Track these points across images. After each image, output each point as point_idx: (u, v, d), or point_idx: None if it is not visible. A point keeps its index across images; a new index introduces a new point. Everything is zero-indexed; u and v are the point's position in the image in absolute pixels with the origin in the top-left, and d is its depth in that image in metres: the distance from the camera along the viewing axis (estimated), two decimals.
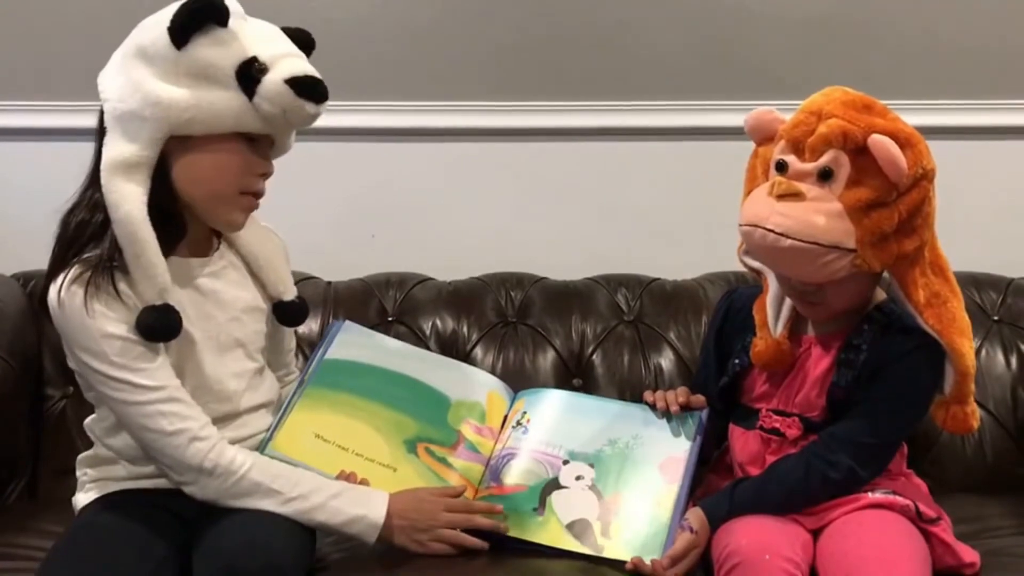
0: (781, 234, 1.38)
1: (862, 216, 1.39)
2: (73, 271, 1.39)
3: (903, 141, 1.39)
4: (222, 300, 1.52)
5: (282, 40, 1.46)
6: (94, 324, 1.38)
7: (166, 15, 1.39)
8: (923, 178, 1.41)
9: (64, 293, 1.38)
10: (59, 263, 1.42)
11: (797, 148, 1.43)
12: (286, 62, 1.41)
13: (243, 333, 1.54)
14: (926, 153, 1.42)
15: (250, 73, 1.39)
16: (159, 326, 1.40)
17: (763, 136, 1.52)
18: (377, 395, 1.62)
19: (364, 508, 1.44)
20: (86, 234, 1.42)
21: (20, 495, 1.83)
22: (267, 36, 1.44)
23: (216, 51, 1.38)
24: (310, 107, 1.42)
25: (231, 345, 1.52)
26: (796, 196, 1.39)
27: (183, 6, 1.38)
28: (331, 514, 1.43)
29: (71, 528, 1.46)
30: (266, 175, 1.49)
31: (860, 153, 1.39)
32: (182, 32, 1.37)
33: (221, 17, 1.39)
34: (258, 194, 1.50)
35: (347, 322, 1.73)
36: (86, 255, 1.41)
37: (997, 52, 2.16)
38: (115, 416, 1.45)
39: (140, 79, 1.39)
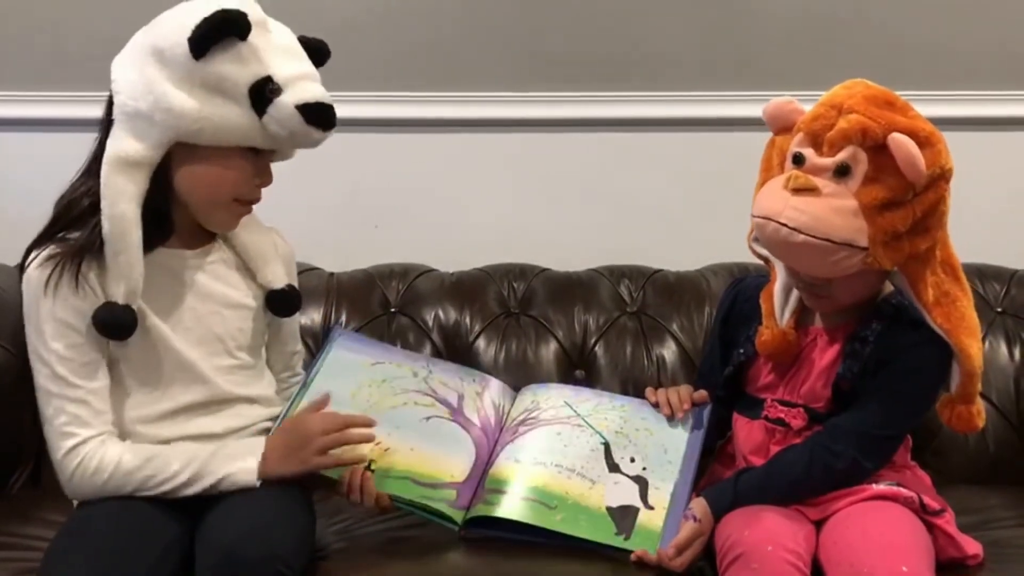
0: (794, 229, 1.37)
1: (877, 215, 1.38)
2: (48, 250, 1.42)
3: (922, 140, 1.37)
4: (205, 293, 1.53)
5: (299, 57, 1.46)
6: (47, 304, 1.41)
7: (188, 18, 1.38)
8: (940, 178, 1.40)
9: (33, 268, 1.42)
10: (42, 239, 1.45)
11: (815, 141, 1.42)
12: (300, 85, 1.42)
13: (223, 328, 1.54)
14: (944, 153, 1.41)
15: (263, 93, 1.40)
16: (114, 324, 1.42)
17: (781, 126, 1.51)
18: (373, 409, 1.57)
19: (238, 461, 1.43)
20: (72, 214, 1.44)
21: (24, 484, 1.82)
22: (285, 52, 1.44)
23: (233, 67, 1.39)
24: (317, 133, 1.44)
25: (209, 338, 1.53)
26: (812, 191, 1.37)
27: (207, 19, 1.37)
28: (211, 478, 1.42)
29: (72, 517, 1.46)
30: (264, 184, 1.51)
31: (879, 151, 1.37)
32: (202, 44, 1.37)
33: (243, 32, 1.39)
34: (253, 201, 1.52)
35: (343, 331, 1.71)
36: (69, 237, 1.44)
37: (1001, 44, 2.16)
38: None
39: (153, 80, 1.39)
